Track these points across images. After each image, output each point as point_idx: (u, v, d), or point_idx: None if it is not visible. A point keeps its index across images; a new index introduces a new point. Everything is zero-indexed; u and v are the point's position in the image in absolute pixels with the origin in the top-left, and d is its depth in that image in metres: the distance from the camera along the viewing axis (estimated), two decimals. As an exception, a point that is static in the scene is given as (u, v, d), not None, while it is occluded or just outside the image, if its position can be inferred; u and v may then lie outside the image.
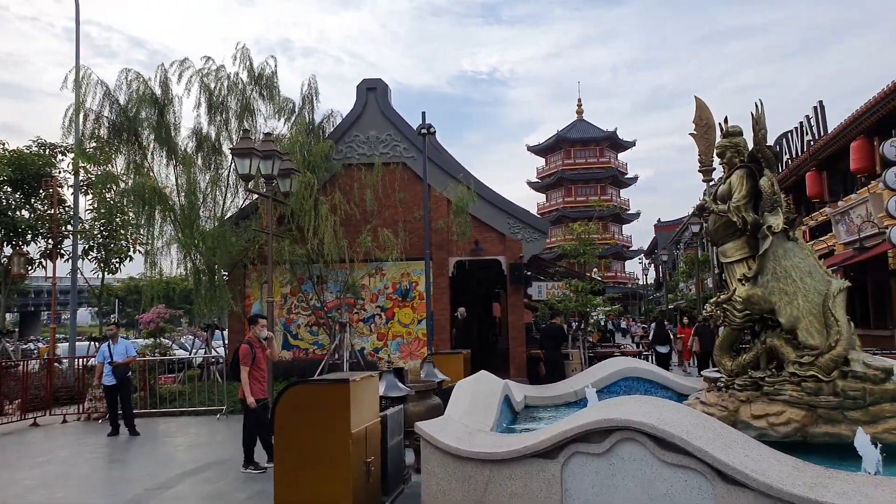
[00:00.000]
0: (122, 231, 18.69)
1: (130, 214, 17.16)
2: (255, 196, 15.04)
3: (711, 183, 8.61)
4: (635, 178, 77.94)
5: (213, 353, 16.25)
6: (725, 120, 7.85)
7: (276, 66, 16.26)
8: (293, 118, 16.71)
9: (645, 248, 72.83)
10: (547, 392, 9.47)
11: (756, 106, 6.91)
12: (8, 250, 16.99)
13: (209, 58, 15.77)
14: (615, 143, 75.98)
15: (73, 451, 9.94)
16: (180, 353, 18.15)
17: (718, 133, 7.37)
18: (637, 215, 76.92)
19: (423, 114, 15.12)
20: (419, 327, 17.29)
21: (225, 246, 14.69)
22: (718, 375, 6.87)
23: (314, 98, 16.53)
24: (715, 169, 8.00)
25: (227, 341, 17.18)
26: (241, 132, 11.87)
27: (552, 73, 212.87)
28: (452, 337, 16.85)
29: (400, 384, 6.85)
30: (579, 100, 79.78)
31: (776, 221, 6.12)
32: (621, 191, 77.11)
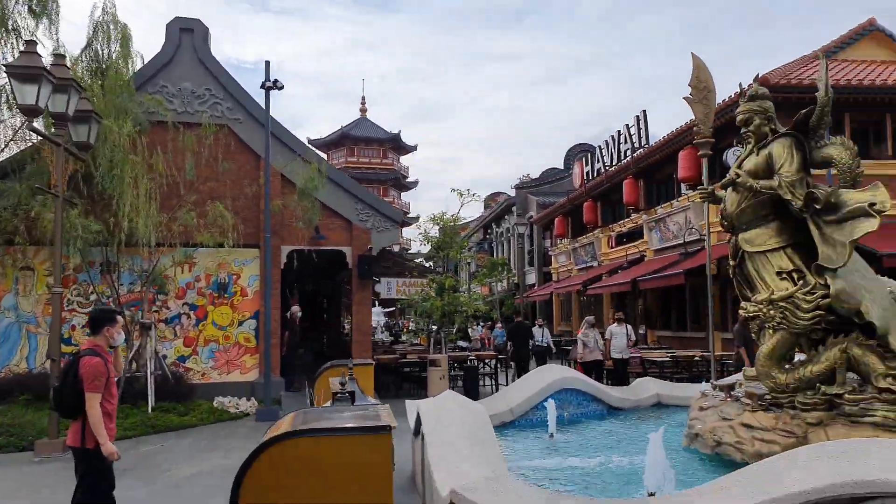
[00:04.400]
0: None
1: None
2: (32, 143, 10.79)
3: (703, 154, 7.44)
4: (416, 183, 79.08)
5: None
6: (756, 78, 6.71)
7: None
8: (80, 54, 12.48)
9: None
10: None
11: (820, 59, 5.76)
12: None
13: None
14: (398, 146, 76.22)
15: None
16: None
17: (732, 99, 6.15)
18: (416, 218, 77.90)
19: (268, 63, 12.17)
20: (240, 330, 14.11)
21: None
22: (759, 390, 5.57)
23: (110, 27, 12.48)
24: (713, 141, 6.79)
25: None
26: (25, 43, 8.04)
27: (322, 71, 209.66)
28: (284, 342, 14.00)
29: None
30: (363, 98, 78.58)
31: (882, 198, 4.94)
32: (402, 194, 77.61)
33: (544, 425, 7.36)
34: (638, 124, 21.25)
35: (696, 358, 13.71)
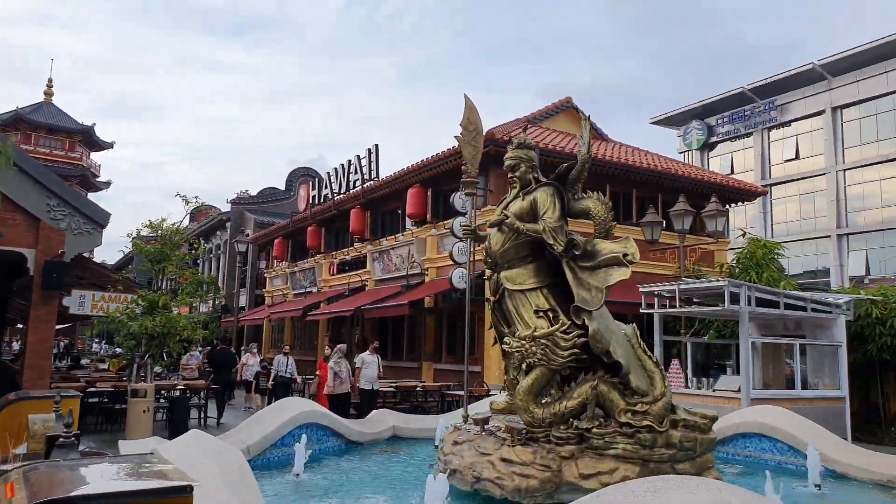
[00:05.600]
0: None
1: None
2: None
3: (468, 194, 7.51)
4: (108, 183, 70.53)
5: None
6: (526, 129, 7.00)
7: None
8: None
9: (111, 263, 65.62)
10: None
11: (583, 118, 6.25)
12: None
13: None
14: (91, 141, 67.40)
15: None
16: None
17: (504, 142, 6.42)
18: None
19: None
20: None
21: None
22: (518, 425, 5.71)
23: None
24: (479, 181, 6.97)
25: None
26: None
27: None
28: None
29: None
30: (50, 80, 67.41)
31: (633, 250, 5.45)
32: (90, 194, 68.33)
33: (285, 464, 6.71)
34: (369, 157, 21.68)
35: (418, 388, 14.11)
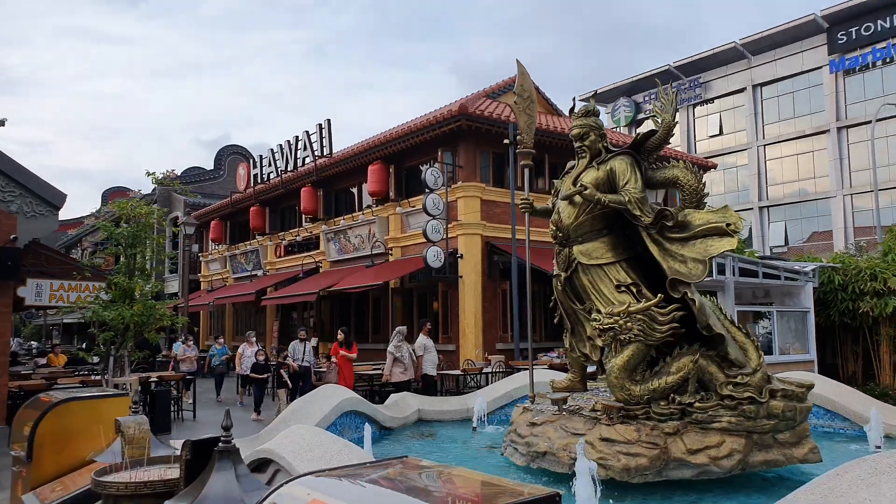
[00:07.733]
0: None
1: None
2: None
3: (523, 164, 7.08)
4: None
5: None
6: (594, 95, 6.70)
7: None
8: None
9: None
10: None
11: (661, 87, 6.05)
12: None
13: None
14: (-20, 117, 61.39)
15: None
16: None
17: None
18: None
19: None
20: None
21: None
22: (614, 403, 5.50)
23: None
24: (534, 152, 6.64)
25: None
26: None
27: None
28: None
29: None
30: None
31: (736, 219, 5.33)
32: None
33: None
34: (320, 133, 20.77)
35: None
